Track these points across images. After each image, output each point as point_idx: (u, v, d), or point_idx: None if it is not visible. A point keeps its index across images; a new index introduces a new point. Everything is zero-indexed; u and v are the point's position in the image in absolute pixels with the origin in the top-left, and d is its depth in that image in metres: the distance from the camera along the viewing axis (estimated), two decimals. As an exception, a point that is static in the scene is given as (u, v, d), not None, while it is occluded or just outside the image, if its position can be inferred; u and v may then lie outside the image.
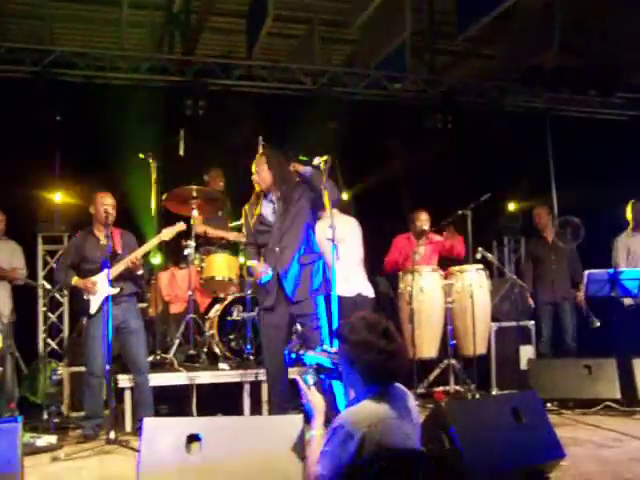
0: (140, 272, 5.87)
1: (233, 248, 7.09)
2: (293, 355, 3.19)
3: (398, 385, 2.88)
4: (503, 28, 8.31)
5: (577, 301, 7.56)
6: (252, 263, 5.31)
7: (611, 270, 6.84)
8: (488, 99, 9.60)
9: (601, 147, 9.39)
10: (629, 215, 7.87)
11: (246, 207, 5.49)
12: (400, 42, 7.81)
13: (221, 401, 6.17)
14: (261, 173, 5.30)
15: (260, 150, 5.72)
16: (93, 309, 5.63)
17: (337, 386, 3.29)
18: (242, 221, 5.61)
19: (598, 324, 7.13)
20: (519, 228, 9.60)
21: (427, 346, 6.82)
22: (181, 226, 6.02)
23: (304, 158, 5.13)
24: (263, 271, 5.18)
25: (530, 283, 7.84)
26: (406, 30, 7.41)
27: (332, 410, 3.14)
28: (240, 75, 8.66)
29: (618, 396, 6.39)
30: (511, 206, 9.51)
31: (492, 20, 7.27)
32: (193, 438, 3.45)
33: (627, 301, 7.42)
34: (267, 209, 5.33)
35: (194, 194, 6.52)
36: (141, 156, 6.58)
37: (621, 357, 6.62)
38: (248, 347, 6.49)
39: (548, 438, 4.20)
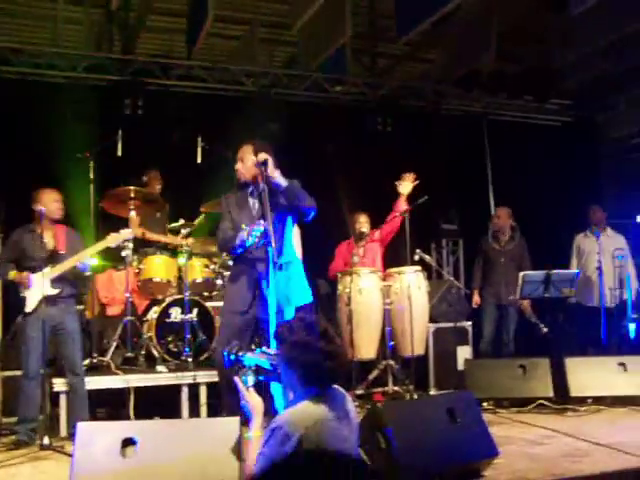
0: (88, 273, 5.80)
1: (171, 250, 7.03)
2: (232, 356, 3.18)
3: (336, 387, 2.89)
4: (442, 32, 8.44)
5: (523, 307, 7.73)
6: (244, 225, 4.74)
7: (544, 271, 7.04)
8: (427, 102, 9.74)
9: (536, 151, 9.65)
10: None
11: (228, 200, 5.12)
12: (341, 44, 7.85)
13: (159, 404, 6.10)
14: (247, 163, 4.95)
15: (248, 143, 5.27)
16: (29, 308, 5.49)
17: (276, 388, 3.29)
18: (225, 213, 5.15)
19: (546, 330, 7.32)
20: (457, 230, 9.74)
21: (366, 347, 6.85)
22: (128, 233, 5.95)
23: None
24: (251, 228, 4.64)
25: (478, 281, 7.98)
26: (346, 33, 7.45)
27: (271, 412, 3.13)
28: (180, 75, 8.61)
29: (551, 394, 6.54)
30: (449, 208, 9.64)
31: (431, 24, 7.37)
32: (128, 442, 3.41)
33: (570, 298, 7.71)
34: (250, 203, 5.04)
35: (132, 195, 6.44)
36: (78, 156, 6.50)
37: (554, 356, 6.79)
38: (186, 349, 6.42)
39: (482, 437, 4.29)
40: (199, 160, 7.28)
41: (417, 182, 7.22)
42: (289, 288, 4.90)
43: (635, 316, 8.30)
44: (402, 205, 7.11)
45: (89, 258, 5.79)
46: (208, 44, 8.29)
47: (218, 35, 8.48)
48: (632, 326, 8.33)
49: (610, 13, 6.94)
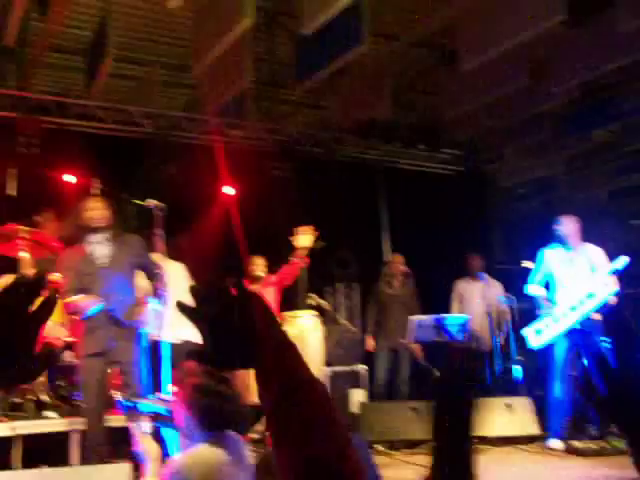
0: None
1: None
2: (128, 403, 3.14)
3: (232, 432, 2.90)
4: (340, 81, 8.66)
5: (414, 351, 7.93)
6: (73, 298, 4.88)
7: (436, 317, 7.26)
8: (325, 149, 9.92)
9: (429, 199, 9.97)
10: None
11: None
12: (241, 89, 7.93)
13: (49, 452, 5.86)
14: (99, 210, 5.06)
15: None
16: None
17: (168, 433, 3.26)
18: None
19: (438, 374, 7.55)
20: (352, 275, 9.89)
21: (262, 391, 6.83)
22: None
23: (139, 202, 5.07)
24: (91, 302, 4.82)
25: (372, 327, 8.11)
26: (247, 78, 7.53)
27: (165, 458, 3.10)
28: (77, 114, 8.47)
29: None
30: (344, 253, 9.79)
31: (329, 73, 7.56)
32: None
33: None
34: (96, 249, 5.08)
35: (22, 235, 6.22)
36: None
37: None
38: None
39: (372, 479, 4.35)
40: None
41: (317, 233, 7.19)
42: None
43: (519, 358, 8.63)
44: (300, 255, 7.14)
45: None
46: (107, 84, 8.20)
47: (117, 75, 8.40)
48: (517, 368, 8.65)
49: (496, 71, 7.31)
